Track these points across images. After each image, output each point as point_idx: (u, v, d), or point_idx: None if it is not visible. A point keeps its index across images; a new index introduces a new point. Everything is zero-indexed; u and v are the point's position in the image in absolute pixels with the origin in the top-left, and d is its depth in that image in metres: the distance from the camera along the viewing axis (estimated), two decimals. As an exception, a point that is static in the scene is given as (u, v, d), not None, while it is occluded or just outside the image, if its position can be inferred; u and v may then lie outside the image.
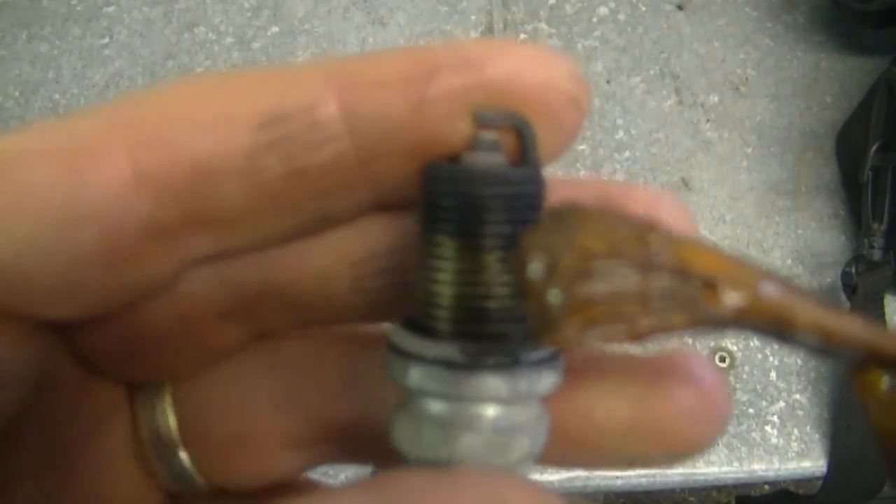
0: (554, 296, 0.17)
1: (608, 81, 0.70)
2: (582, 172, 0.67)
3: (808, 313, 0.18)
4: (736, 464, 0.58)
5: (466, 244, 0.21)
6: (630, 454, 0.25)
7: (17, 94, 0.67)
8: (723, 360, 0.61)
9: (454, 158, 0.22)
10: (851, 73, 0.70)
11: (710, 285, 0.18)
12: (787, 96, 0.70)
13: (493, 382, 0.21)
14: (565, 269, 0.17)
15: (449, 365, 0.21)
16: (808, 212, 0.66)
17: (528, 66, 0.22)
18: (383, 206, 0.24)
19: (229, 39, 0.69)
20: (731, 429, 0.59)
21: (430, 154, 0.22)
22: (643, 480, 0.57)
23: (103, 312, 0.24)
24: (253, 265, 0.25)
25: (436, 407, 0.21)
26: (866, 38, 0.70)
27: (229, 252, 0.25)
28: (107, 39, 0.68)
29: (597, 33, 0.71)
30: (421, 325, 0.22)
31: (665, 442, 0.24)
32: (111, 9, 0.69)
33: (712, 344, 0.61)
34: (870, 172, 0.61)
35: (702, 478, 0.58)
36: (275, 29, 0.70)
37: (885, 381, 0.19)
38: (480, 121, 0.21)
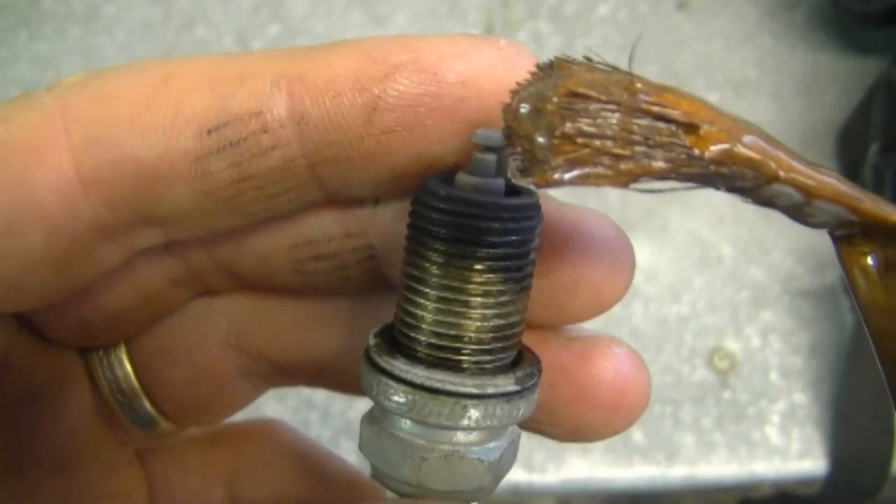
0: (541, 135, 0.18)
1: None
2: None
3: (789, 165, 0.19)
4: (736, 464, 0.58)
5: (455, 271, 0.21)
6: (536, 429, 0.25)
7: (17, 93, 0.67)
8: (723, 360, 0.61)
9: (448, 177, 0.22)
10: (851, 73, 0.70)
11: (693, 128, 0.19)
12: (787, 96, 0.70)
13: (529, 404, 0.22)
14: (551, 110, 0.18)
15: (504, 397, 0.21)
16: (808, 212, 0.66)
17: (486, 70, 0.21)
18: (332, 200, 0.24)
19: (229, 38, 0.69)
20: (731, 429, 0.59)
21: (382, 164, 0.22)
22: (644, 482, 0.57)
23: (57, 301, 0.24)
24: (199, 243, 0.26)
25: (468, 440, 0.22)
26: (866, 38, 0.70)
27: (180, 242, 0.25)
28: (106, 39, 0.68)
29: (597, 33, 0.71)
30: (399, 344, 0.22)
31: (571, 425, 0.25)
32: (111, 9, 0.69)
33: (712, 344, 0.61)
34: (871, 172, 0.61)
35: (702, 478, 0.58)
36: (274, 28, 0.70)
37: (870, 257, 0.20)
38: (482, 142, 0.21)
